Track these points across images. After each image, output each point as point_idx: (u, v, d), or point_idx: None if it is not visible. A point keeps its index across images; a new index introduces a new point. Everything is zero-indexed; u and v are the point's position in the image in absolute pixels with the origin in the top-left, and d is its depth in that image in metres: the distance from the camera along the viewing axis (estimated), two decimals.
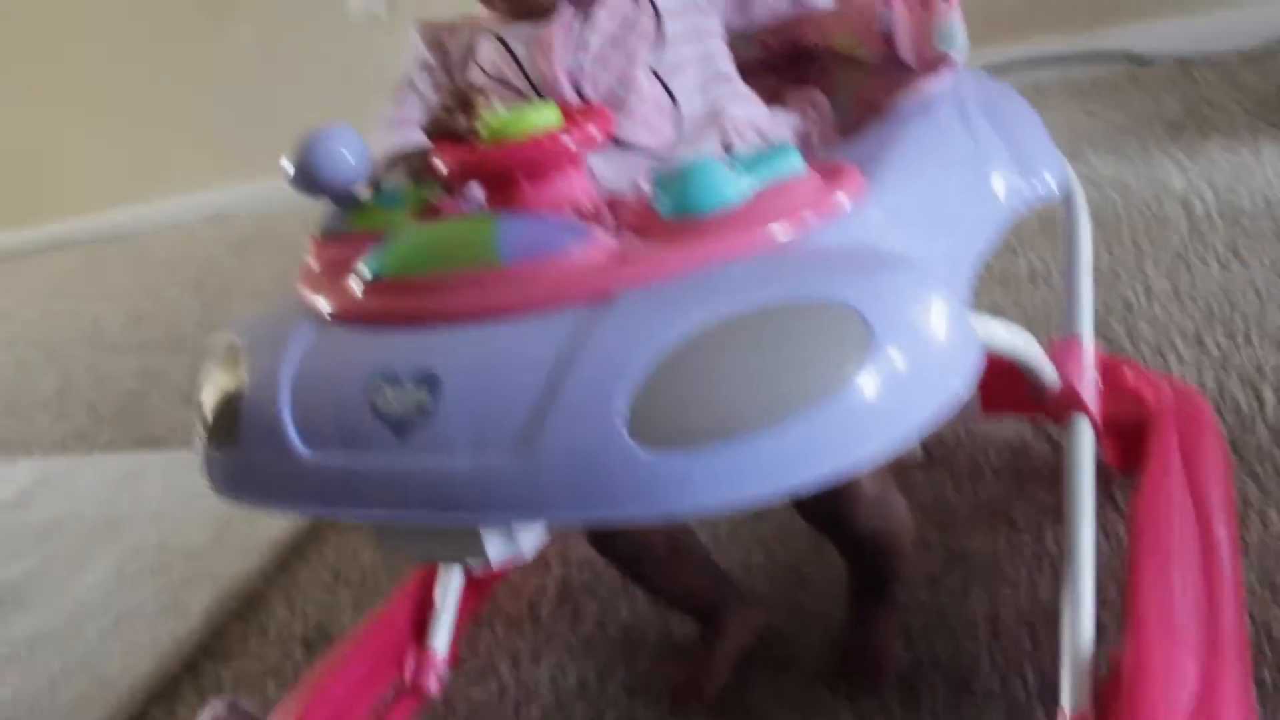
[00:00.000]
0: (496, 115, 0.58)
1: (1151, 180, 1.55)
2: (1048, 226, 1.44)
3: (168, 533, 1.37)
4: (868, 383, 0.47)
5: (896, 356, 0.47)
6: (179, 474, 1.50)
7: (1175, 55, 2.05)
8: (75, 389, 1.96)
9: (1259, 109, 1.73)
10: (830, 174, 0.55)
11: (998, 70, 2.21)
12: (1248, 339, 1.14)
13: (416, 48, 0.82)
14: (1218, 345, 1.15)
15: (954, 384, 0.50)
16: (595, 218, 0.57)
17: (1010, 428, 1.12)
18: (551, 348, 0.48)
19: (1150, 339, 1.19)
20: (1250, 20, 2.00)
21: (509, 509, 0.49)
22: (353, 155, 0.61)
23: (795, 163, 0.53)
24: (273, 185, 2.84)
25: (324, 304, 0.58)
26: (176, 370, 1.89)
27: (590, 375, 0.47)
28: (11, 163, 3.25)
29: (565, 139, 0.55)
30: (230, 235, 2.69)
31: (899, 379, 0.47)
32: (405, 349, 0.52)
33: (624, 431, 0.46)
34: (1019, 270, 1.38)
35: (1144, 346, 1.18)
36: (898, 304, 0.48)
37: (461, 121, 0.62)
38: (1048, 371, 0.80)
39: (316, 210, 0.67)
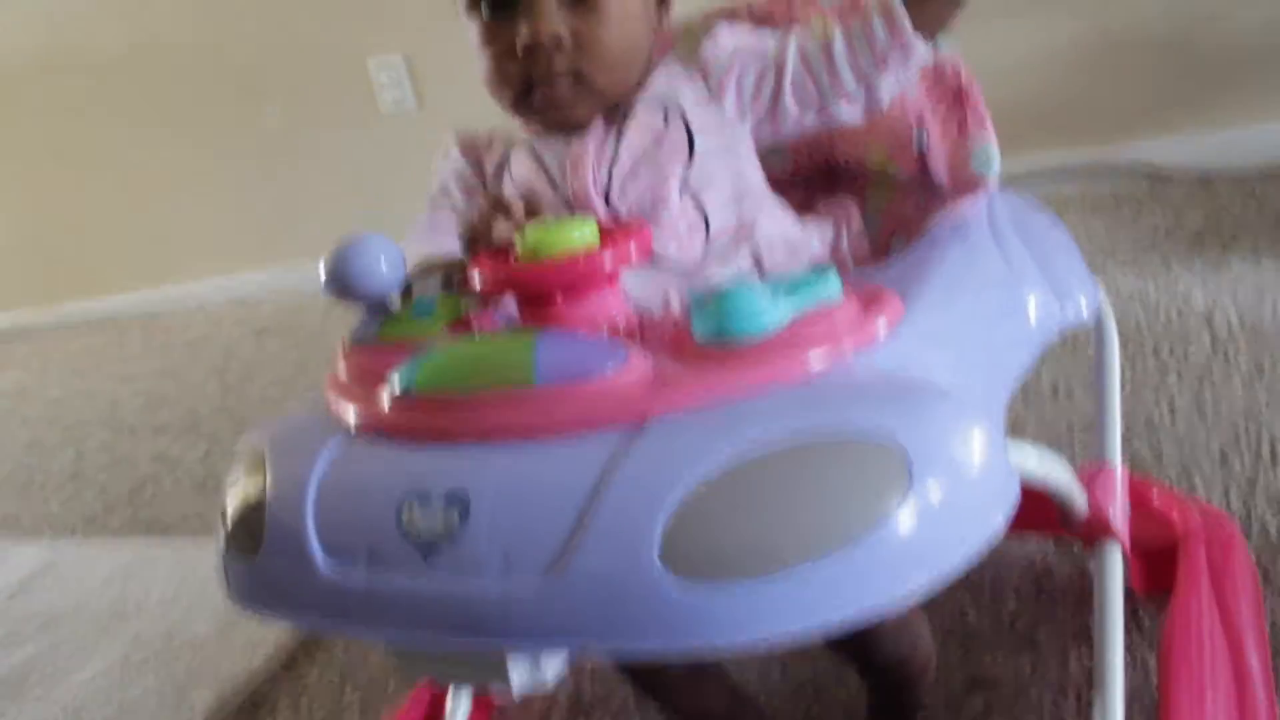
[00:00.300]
0: (534, 229, 0.58)
1: (1173, 295, 1.55)
2: (1069, 340, 1.44)
3: (174, 624, 1.35)
4: (906, 519, 0.46)
5: (936, 492, 0.47)
6: (188, 563, 1.49)
7: (1195, 169, 2.07)
8: (88, 471, 1.95)
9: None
10: (869, 299, 0.55)
11: (1019, 181, 2.23)
12: (1274, 459, 1.13)
13: (452, 157, 0.84)
14: (1243, 466, 1.13)
15: (993, 518, 0.49)
16: (630, 337, 0.57)
17: (1032, 546, 1.10)
18: (585, 473, 0.47)
19: (1175, 458, 1.18)
20: (1269, 135, 2.02)
21: (536, 636, 0.47)
22: (387, 265, 0.61)
23: (834, 288, 0.53)
24: (298, 272, 2.85)
25: (353, 414, 0.58)
26: (191, 456, 1.89)
27: (623, 503, 0.46)
28: (39, 240, 3.29)
29: (603, 258, 0.55)
30: (253, 320, 2.71)
31: (938, 515, 0.47)
32: (435, 467, 0.51)
33: (656, 562, 0.45)
34: (1041, 384, 1.37)
35: (1169, 466, 1.17)
36: (937, 438, 0.48)
37: (499, 230, 0.62)
38: (1078, 498, 0.78)
39: (340, 301, 0.66)
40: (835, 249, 0.80)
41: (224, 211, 2.98)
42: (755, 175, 0.79)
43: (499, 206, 0.63)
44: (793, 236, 0.78)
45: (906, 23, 0.72)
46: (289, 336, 2.49)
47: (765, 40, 0.79)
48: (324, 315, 2.44)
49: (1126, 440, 1.19)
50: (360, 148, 2.76)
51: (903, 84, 0.76)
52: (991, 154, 0.74)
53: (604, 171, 0.76)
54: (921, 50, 0.73)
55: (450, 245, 0.72)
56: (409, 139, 2.63)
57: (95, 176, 3.10)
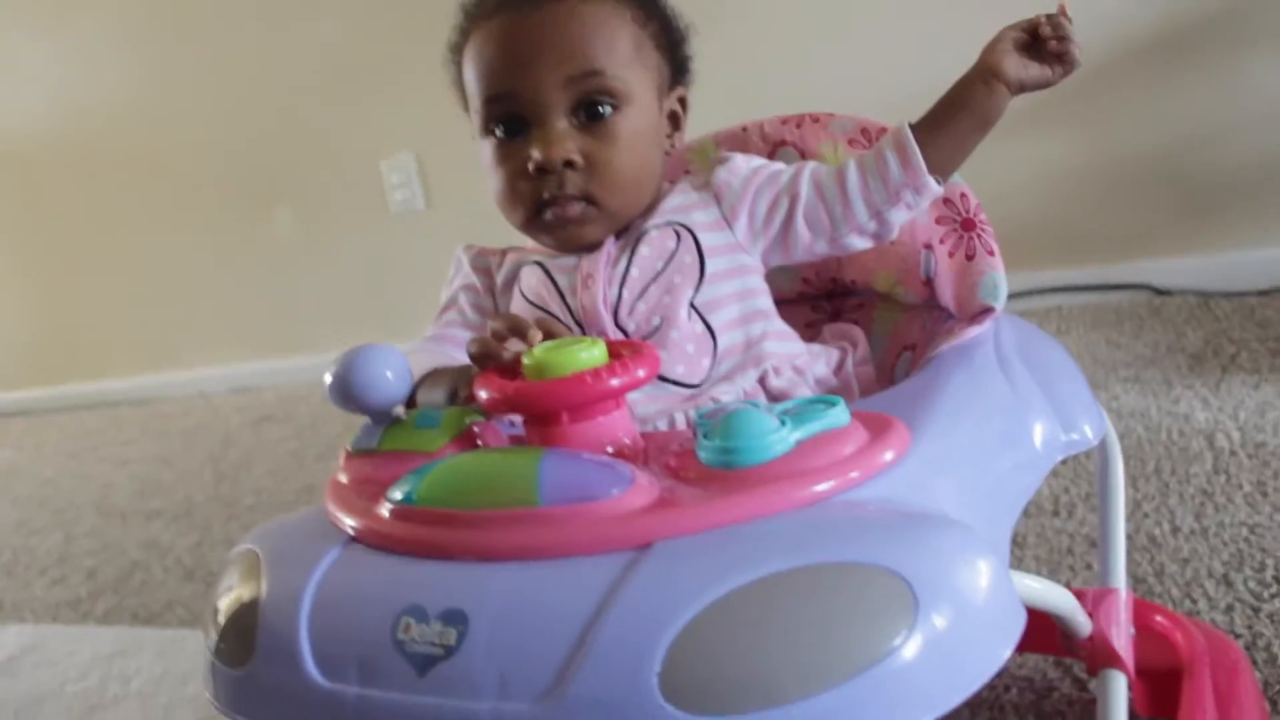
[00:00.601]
0: (542, 348, 0.58)
1: (1175, 413, 1.55)
2: (1073, 455, 1.43)
3: (153, 717, 1.32)
4: (911, 651, 0.45)
5: (942, 624, 0.46)
6: (171, 654, 1.46)
7: (1195, 289, 2.10)
8: (76, 554, 1.93)
9: (1279, 346, 1.74)
10: (875, 426, 0.54)
11: (1022, 296, 2.26)
12: (1278, 582, 1.12)
13: (463, 270, 0.85)
14: (1248, 588, 1.12)
15: (999, 650, 0.48)
16: (635, 457, 0.57)
17: (1032, 662, 1.08)
18: (586, 596, 0.47)
19: (1178, 578, 1.16)
20: (1267, 262, 2.05)
21: None
22: (394, 375, 0.61)
23: (842, 415, 0.53)
24: (299, 363, 2.87)
25: (352, 524, 0.57)
26: (182, 543, 1.87)
27: (624, 629, 0.45)
28: (44, 321, 3.31)
29: (611, 379, 0.55)
30: (253, 408, 2.71)
31: (944, 647, 0.46)
32: (434, 584, 0.50)
33: (656, 693, 0.44)
34: (1042, 500, 1.37)
35: (1171, 586, 1.15)
36: (942, 569, 0.47)
37: (511, 349, 0.62)
38: (1081, 623, 0.77)
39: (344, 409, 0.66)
40: (840, 374, 0.81)
41: (230, 303, 3.01)
42: (764, 300, 0.80)
43: (515, 329, 0.63)
44: (799, 361, 0.79)
45: (920, 160, 0.74)
46: (288, 425, 2.48)
47: (780, 168, 0.81)
48: (324, 405, 2.43)
49: (1128, 558, 1.18)
50: (368, 245, 2.79)
51: (914, 214, 0.77)
52: (998, 282, 0.75)
53: (615, 290, 0.76)
54: (934, 186, 0.75)
55: (457, 356, 0.72)
56: (416, 238, 2.67)
57: (103, 262, 3.14)
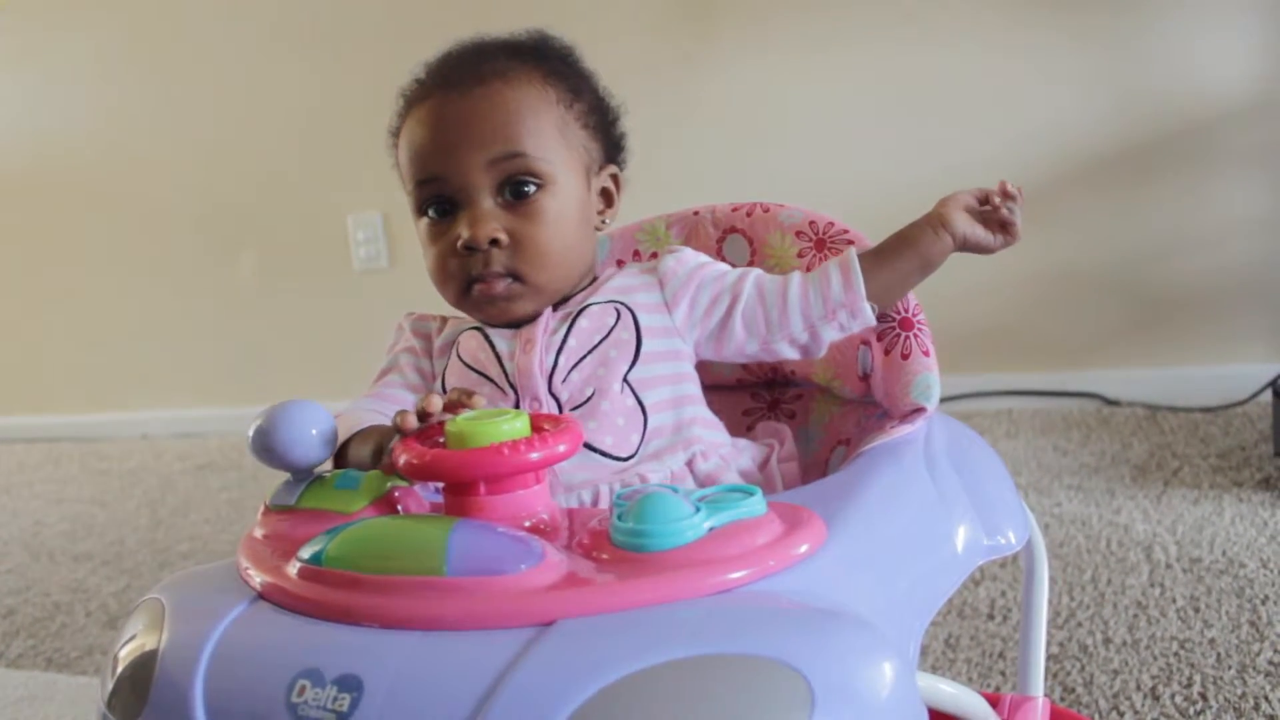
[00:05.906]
0: (465, 417, 0.58)
1: (1115, 523, 1.56)
2: (1011, 560, 1.44)
3: None
4: None
5: None
6: (83, 703, 1.41)
7: (1143, 402, 2.13)
8: None
9: (1221, 464, 1.77)
10: (791, 518, 0.54)
11: (973, 397, 2.27)
12: (1204, 699, 1.12)
13: (404, 335, 0.86)
14: (1174, 704, 1.12)
15: None
16: (551, 533, 0.56)
17: None
18: (482, 671, 0.46)
19: (1106, 689, 1.16)
20: (1215, 379, 2.09)
21: None
22: (318, 434, 0.61)
23: (758, 505, 0.53)
24: (247, 412, 2.84)
25: (260, 579, 0.56)
26: (108, 588, 1.82)
27: (516, 709, 0.44)
28: None
29: (530, 453, 0.55)
30: (195, 455, 2.67)
31: None
32: (333, 647, 0.50)
33: None
34: (979, 602, 1.36)
35: (1099, 697, 1.15)
36: (843, 668, 0.47)
37: (410, 421, 0.62)
38: None
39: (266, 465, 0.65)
40: (764, 470, 0.83)
41: (183, 346, 2.98)
42: (693, 387, 0.82)
43: (463, 401, 0.63)
44: (724, 451, 0.80)
45: (861, 284, 0.78)
46: (230, 475, 2.45)
47: (726, 268, 0.84)
48: None
49: (1060, 665, 1.18)
50: (328, 300, 2.78)
51: (844, 336, 0.81)
52: (931, 383, 0.76)
53: (551, 357, 0.78)
54: (868, 314, 0.79)
55: (387, 417, 0.73)
56: (377, 296, 2.68)
57: (57, 294, 3.11)
